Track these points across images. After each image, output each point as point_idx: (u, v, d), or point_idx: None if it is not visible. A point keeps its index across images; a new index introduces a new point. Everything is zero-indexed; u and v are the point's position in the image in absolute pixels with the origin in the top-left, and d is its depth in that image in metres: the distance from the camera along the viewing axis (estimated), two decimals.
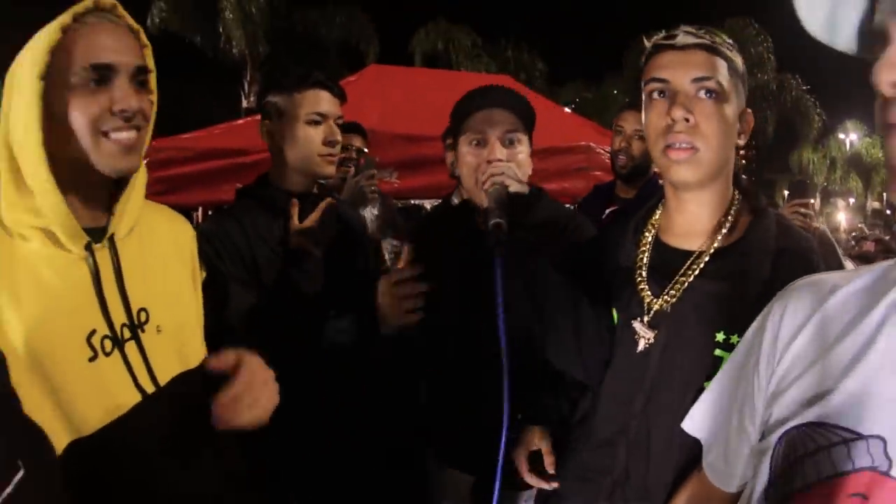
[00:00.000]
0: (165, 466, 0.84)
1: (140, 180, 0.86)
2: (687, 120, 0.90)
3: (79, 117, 0.76)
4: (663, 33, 0.96)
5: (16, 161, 0.77)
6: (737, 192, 1.00)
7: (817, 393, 0.58)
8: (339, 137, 1.35)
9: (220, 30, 11.77)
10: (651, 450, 0.94)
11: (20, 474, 0.57)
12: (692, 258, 0.97)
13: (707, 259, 0.96)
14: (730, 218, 0.98)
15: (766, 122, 17.09)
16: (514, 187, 1.15)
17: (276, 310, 1.13)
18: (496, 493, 1.01)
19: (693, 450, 0.80)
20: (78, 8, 0.77)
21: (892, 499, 0.50)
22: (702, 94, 0.91)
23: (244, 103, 12.25)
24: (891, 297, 0.56)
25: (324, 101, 1.32)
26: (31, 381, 0.73)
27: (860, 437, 0.53)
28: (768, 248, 0.93)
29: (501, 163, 1.19)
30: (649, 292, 0.98)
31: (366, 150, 2.55)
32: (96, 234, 0.81)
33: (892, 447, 0.51)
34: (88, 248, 0.79)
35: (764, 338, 0.66)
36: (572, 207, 2.52)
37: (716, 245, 0.96)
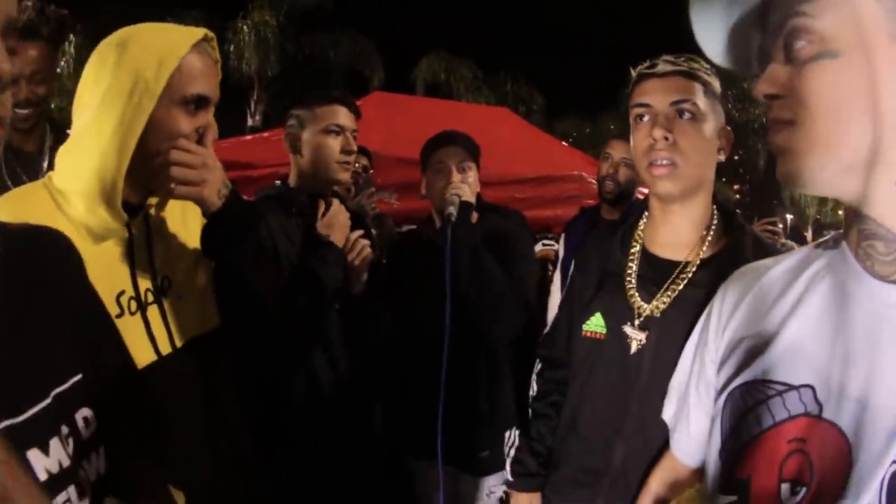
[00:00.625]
0: (175, 426, 0.90)
1: None
2: (666, 138, 0.99)
3: (176, 131, 0.89)
4: (648, 62, 1.05)
5: (82, 138, 0.86)
6: (716, 209, 1.08)
7: (753, 355, 0.65)
8: (355, 147, 1.49)
9: (231, 51, 12.08)
10: (648, 446, 0.98)
11: (77, 377, 0.62)
12: (680, 268, 1.03)
13: (694, 269, 1.02)
14: (712, 231, 1.05)
15: (758, 156, 17.39)
16: (465, 197, 1.57)
17: (292, 294, 1.25)
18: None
19: None
20: (193, 39, 0.92)
21: (825, 438, 0.56)
22: (680, 115, 1.00)
23: (249, 121, 12.48)
24: (809, 272, 0.65)
25: (342, 114, 1.46)
26: None
27: (792, 387, 0.60)
28: (747, 258, 0.98)
29: (458, 183, 1.59)
30: (639, 298, 1.05)
31: (371, 170, 2.69)
32: (134, 208, 0.92)
33: (821, 393, 0.57)
34: (126, 223, 0.90)
35: (711, 318, 0.74)
36: (561, 232, 2.67)
37: (702, 255, 1.03)
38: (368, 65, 12.01)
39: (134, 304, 0.90)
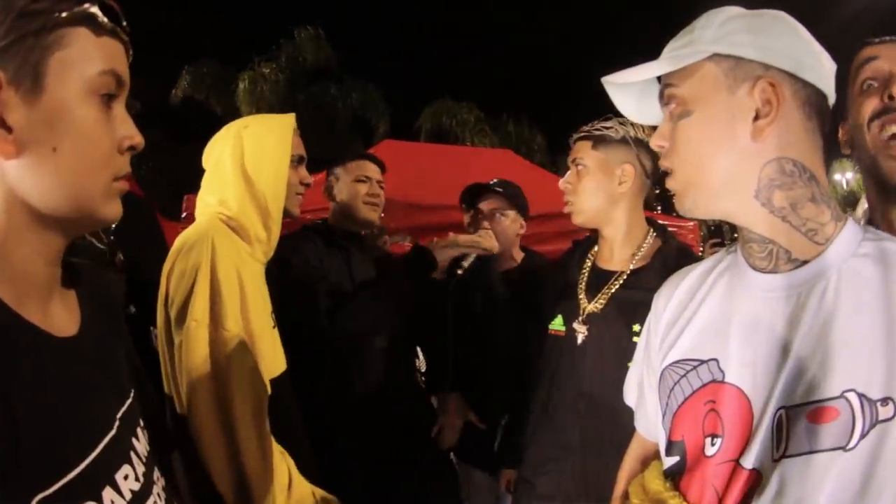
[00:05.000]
0: (294, 421, 1.26)
1: None
2: (568, 185, 1.39)
3: (290, 182, 1.31)
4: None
5: (256, 193, 1.22)
6: (652, 230, 1.38)
7: (675, 341, 0.80)
8: (380, 192, 1.84)
9: (237, 100, 12.60)
10: (599, 421, 1.23)
11: (131, 399, 0.66)
12: (616, 276, 1.33)
13: (626, 276, 1.31)
14: (643, 248, 1.35)
15: None
16: (486, 244, 1.83)
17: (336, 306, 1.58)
18: None
19: (627, 411, 1.01)
20: (293, 120, 1.38)
21: (729, 397, 0.69)
22: (577, 167, 1.39)
23: None
24: (716, 271, 0.80)
25: (368, 167, 1.84)
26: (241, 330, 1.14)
27: (703, 362, 0.74)
28: (670, 266, 1.21)
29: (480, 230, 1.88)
30: (585, 300, 1.34)
31: (383, 215, 2.93)
32: None
33: (723, 364, 0.72)
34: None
35: (651, 315, 0.92)
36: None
37: (632, 266, 1.32)
38: (375, 114, 12.45)
39: (274, 321, 1.25)
